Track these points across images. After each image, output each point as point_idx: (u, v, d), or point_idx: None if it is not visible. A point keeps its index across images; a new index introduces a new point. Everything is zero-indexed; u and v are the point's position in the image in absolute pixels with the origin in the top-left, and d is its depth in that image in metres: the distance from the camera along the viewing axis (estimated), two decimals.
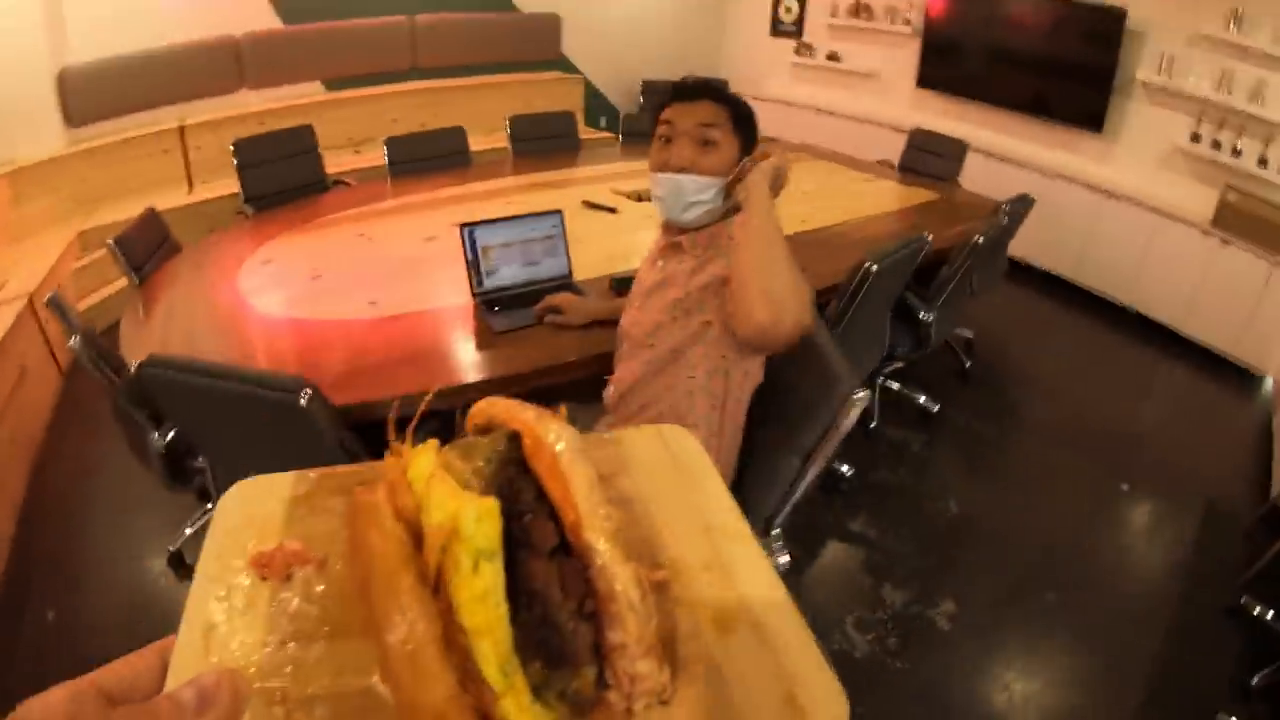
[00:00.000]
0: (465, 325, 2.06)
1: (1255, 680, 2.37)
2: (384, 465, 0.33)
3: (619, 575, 0.28)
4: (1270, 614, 2.59)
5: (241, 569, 0.35)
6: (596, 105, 6.57)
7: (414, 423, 0.35)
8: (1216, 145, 4.40)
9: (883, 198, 3.74)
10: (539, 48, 6.13)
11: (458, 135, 3.76)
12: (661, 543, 0.36)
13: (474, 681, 0.25)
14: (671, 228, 1.47)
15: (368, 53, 5.30)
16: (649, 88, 6.43)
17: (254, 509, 0.39)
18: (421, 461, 0.30)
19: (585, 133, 5.42)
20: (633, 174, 3.38)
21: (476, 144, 3.88)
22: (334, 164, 3.92)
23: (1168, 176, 4.76)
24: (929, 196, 3.86)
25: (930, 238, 2.58)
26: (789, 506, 1.61)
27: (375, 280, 2.36)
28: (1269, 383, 4.49)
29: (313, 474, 0.41)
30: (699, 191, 1.33)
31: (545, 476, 0.30)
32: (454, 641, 0.26)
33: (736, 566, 0.35)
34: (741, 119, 1.35)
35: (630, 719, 0.28)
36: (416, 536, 0.29)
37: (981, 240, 2.72)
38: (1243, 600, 2.62)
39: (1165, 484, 3.31)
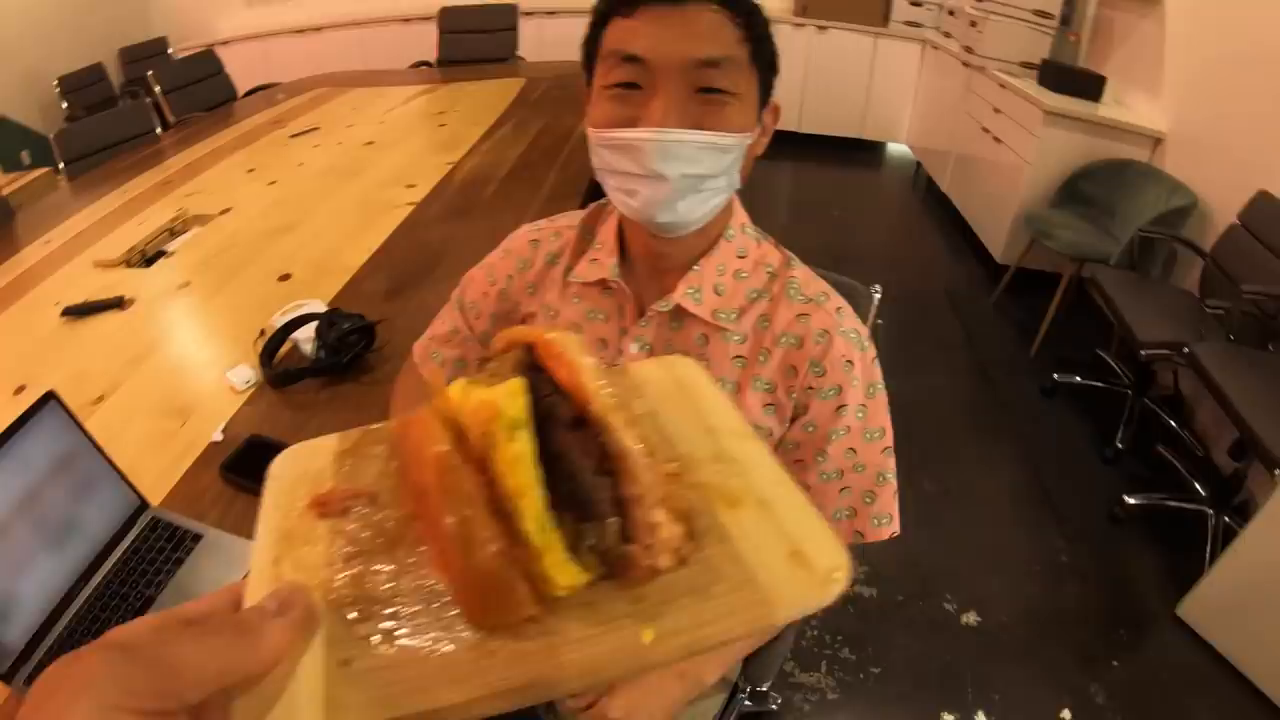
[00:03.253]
0: None
1: (1119, 443, 2.45)
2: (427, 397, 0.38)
3: (626, 435, 0.34)
4: (1077, 379, 2.71)
5: (300, 512, 0.41)
6: (10, 138, 4.74)
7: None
8: None
9: (479, 107, 3.05)
10: None
11: None
12: (672, 443, 0.43)
13: (518, 546, 0.32)
14: (630, 277, 0.89)
15: None
16: (69, 85, 4.79)
17: (305, 466, 0.44)
18: (455, 386, 0.38)
19: (8, 182, 3.79)
20: (107, 221, 2.22)
21: None
22: None
23: None
24: (516, 84, 3.31)
25: None
26: None
27: None
28: (893, 148, 4.99)
29: (355, 432, 0.46)
30: (716, 157, 0.75)
31: (556, 368, 0.37)
32: (498, 513, 0.33)
33: (739, 457, 0.41)
34: (761, 34, 0.76)
35: (656, 577, 0.34)
36: (460, 441, 0.35)
37: None
38: (1055, 377, 2.70)
39: (905, 297, 3.40)
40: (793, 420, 0.85)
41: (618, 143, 0.75)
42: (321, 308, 1.48)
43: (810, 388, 0.83)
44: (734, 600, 0.33)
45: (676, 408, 0.45)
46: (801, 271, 0.88)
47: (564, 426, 0.36)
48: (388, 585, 0.36)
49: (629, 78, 0.74)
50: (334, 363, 1.34)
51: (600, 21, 0.77)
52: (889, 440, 0.85)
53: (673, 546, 0.34)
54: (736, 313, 0.84)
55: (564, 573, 0.33)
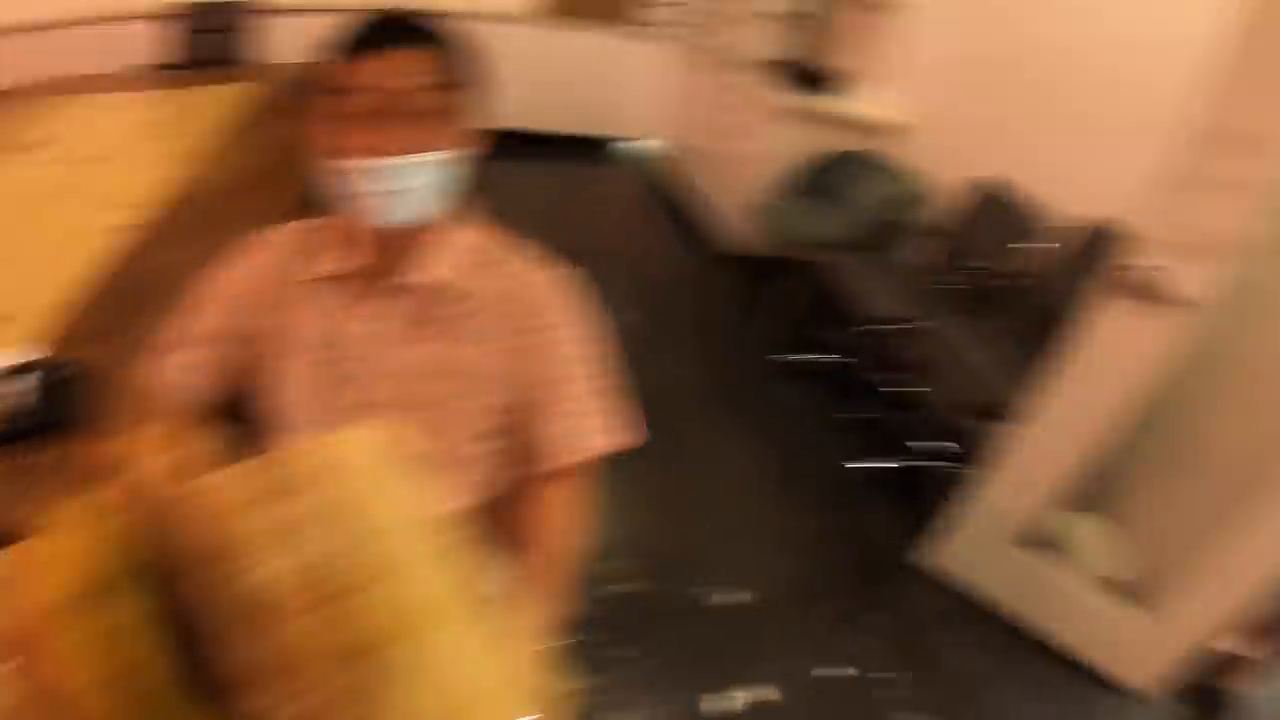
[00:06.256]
0: None
1: (849, 413, 2.76)
2: None
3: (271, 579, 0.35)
4: (810, 356, 2.98)
5: None
6: None
7: None
8: None
9: (208, 115, 2.70)
10: None
11: None
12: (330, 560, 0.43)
13: None
14: (359, 245, 1.02)
15: None
16: None
17: None
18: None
19: None
20: None
21: None
22: None
23: None
24: (249, 89, 3.01)
25: None
26: None
27: None
28: (632, 145, 5.09)
29: None
30: (433, 170, 0.94)
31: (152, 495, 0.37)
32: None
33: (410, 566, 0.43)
34: (458, 59, 0.96)
35: None
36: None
37: None
38: (789, 356, 2.99)
39: (642, 290, 3.51)
40: (518, 358, 1.03)
41: (359, 169, 0.90)
42: (29, 356, 1.25)
43: (531, 329, 1.03)
44: None
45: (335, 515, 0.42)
46: (506, 240, 1.08)
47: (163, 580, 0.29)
48: None
49: (354, 107, 0.89)
50: (54, 419, 1.14)
51: (325, 65, 0.92)
52: (599, 360, 1.07)
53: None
54: (458, 278, 1.02)
55: None
